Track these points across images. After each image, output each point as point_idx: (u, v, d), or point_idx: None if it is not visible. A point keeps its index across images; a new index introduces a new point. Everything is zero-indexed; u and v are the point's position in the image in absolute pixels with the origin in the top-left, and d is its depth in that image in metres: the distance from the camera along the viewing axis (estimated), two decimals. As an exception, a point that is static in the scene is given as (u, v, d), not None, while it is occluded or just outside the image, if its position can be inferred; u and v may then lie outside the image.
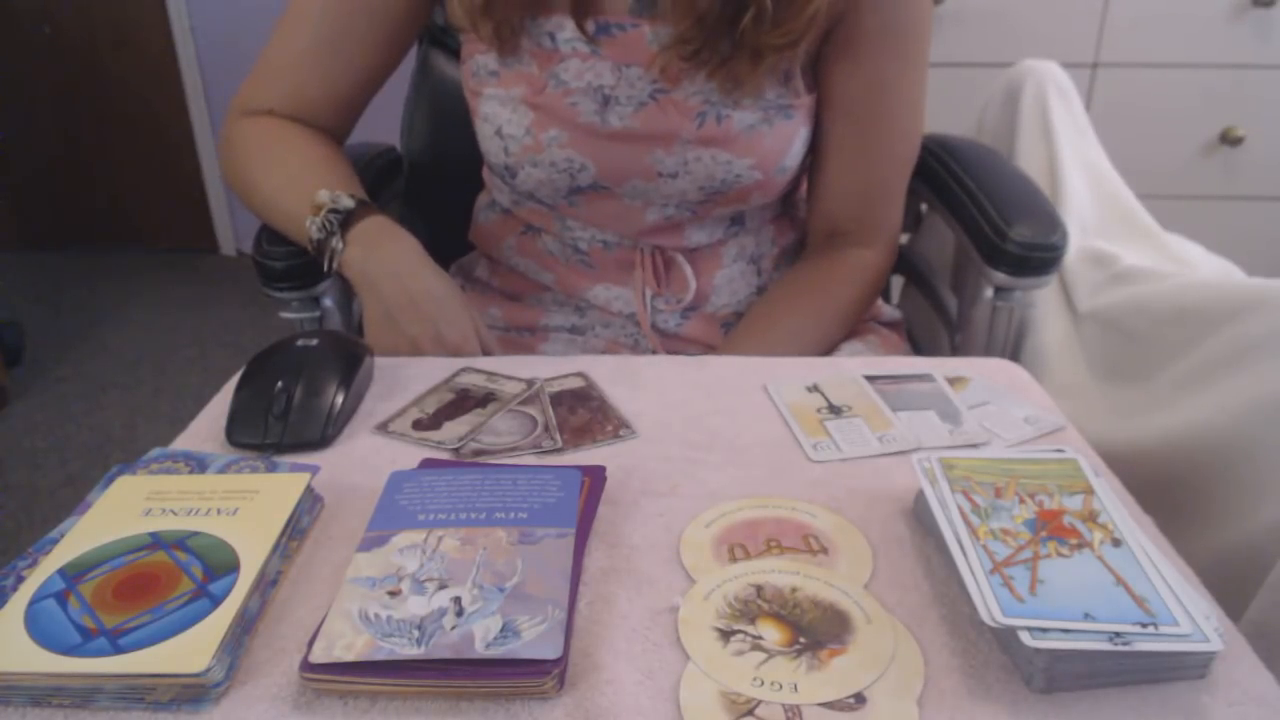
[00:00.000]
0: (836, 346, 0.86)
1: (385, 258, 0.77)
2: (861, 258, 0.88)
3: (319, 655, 0.42)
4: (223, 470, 0.56)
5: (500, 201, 0.93)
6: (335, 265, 0.77)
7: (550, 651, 0.42)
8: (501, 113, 0.81)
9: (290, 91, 0.85)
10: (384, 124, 1.15)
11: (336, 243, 0.76)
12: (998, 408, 0.65)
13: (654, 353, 0.89)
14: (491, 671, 0.41)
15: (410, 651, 0.42)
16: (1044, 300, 0.94)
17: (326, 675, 0.42)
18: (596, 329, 0.90)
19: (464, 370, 0.71)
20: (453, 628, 0.43)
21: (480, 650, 0.42)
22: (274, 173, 0.82)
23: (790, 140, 0.81)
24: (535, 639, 0.42)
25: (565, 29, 0.78)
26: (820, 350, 0.84)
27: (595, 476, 0.55)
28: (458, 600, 0.44)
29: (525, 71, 0.80)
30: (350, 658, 0.41)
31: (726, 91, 0.77)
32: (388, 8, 0.83)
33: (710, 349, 0.88)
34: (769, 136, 0.79)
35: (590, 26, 0.77)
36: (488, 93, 0.82)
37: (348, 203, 0.77)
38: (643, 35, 0.77)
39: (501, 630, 0.42)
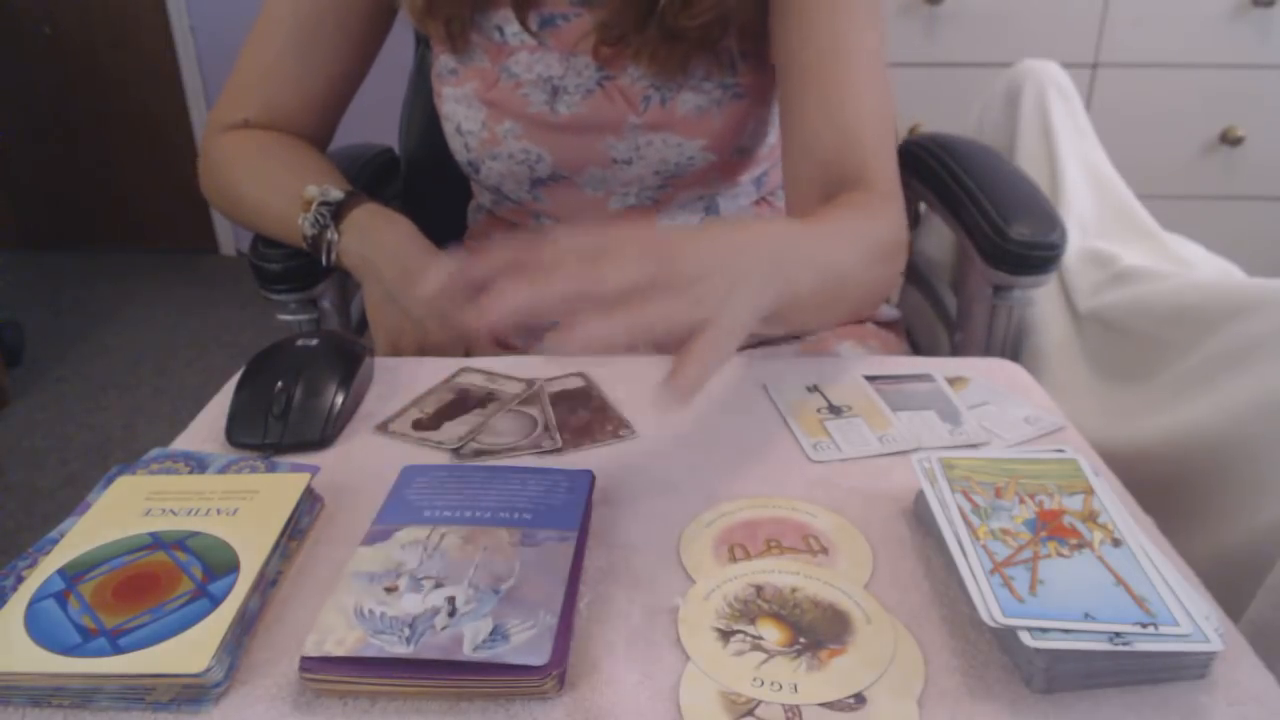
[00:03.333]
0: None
1: (382, 240, 0.77)
2: (867, 197, 0.73)
3: (310, 649, 0.42)
4: (223, 470, 0.56)
5: (484, 204, 0.94)
6: (334, 257, 0.77)
7: (536, 658, 0.41)
8: (459, 110, 0.82)
9: (264, 101, 0.85)
10: (382, 125, 1.15)
11: (331, 234, 0.76)
12: (998, 408, 0.65)
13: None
14: (483, 673, 0.41)
15: (399, 650, 0.42)
16: (1044, 300, 0.95)
17: (324, 673, 0.42)
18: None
19: (464, 370, 0.71)
20: (443, 628, 0.43)
21: (468, 653, 0.41)
22: (258, 181, 0.83)
23: (743, 121, 0.81)
24: (523, 644, 0.42)
25: (513, 22, 0.79)
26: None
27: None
28: (452, 600, 0.44)
29: (479, 67, 0.81)
30: (341, 653, 0.41)
31: (666, 75, 0.78)
32: (354, 9, 0.83)
33: None
34: (718, 118, 0.79)
35: (534, 20, 0.78)
36: (446, 92, 0.83)
37: (336, 194, 0.78)
38: (586, 24, 0.78)
39: (491, 633, 0.42)
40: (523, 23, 0.78)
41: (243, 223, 0.85)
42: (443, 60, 0.83)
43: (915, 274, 1.05)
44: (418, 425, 0.64)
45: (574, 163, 0.82)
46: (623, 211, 0.85)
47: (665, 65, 0.77)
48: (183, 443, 0.62)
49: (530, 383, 0.69)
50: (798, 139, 0.77)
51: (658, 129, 0.79)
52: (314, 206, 0.77)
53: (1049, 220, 0.83)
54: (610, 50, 0.77)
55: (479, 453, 0.60)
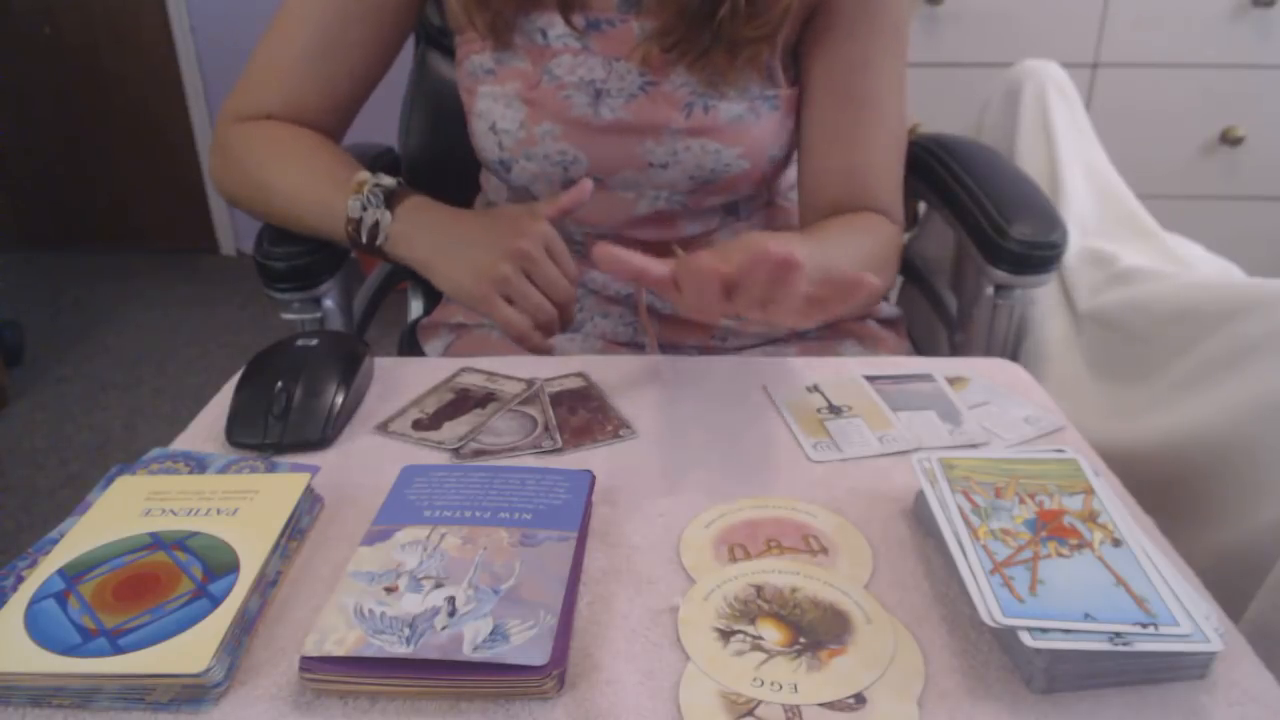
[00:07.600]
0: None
1: (446, 220, 0.77)
2: (870, 216, 0.86)
3: (310, 648, 0.42)
4: (223, 470, 0.56)
5: (496, 202, 0.93)
6: (381, 239, 0.76)
7: (537, 658, 0.41)
8: (495, 108, 0.82)
9: (288, 97, 0.85)
10: (382, 124, 1.15)
11: (381, 214, 0.76)
12: (998, 408, 0.65)
13: (651, 342, 0.89)
14: (483, 673, 0.41)
15: (398, 650, 0.42)
16: (1044, 300, 0.95)
17: (323, 673, 0.42)
18: (595, 319, 0.90)
19: (464, 370, 0.71)
20: (443, 628, 0.43)
21: (468, 653, 0.41)
22: (298, 167, 0.82)
23: (777, 130, 0.82)
24: (524, 644, 0.42)
25: (556, 25, 0.80)
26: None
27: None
28: (452, 600, 0.44)
29: (519, 68, 0.81)
30: (340, 652, 0.42)
31: (710, 83, 0.79)
32: (380, 10, 0.84)
33: (708, 329, 0.88)
34: (755, 126, 0.81)
35: (580, 21, 0.79)
36: (483, 90, 0.83)
37: (389, 180, 0.78)
38: (631, 30, 0.79)
39: (491, 633, 0.42)
40: (568, 23, 0.79)
41: (267, 211, 0.84)
42: (476, 59, 0.83)
43: (915, 274, 1.05)
44: (418, 425, 0.64)
45: (610, 165, 0.82)
46: (649, 215, 0.85)
47: (714, 73, 0.78)
48: (183, 443, 0.62)
49: (530, 383, 0.69)
50: (813, 173, 0.86)
51: (698, 135, 0.80)
52: (366, 188, 0.76)
53: (1050, 220, 0.83)
54: (661, 57, 0.78)
55: (479, 453, 0.60)
